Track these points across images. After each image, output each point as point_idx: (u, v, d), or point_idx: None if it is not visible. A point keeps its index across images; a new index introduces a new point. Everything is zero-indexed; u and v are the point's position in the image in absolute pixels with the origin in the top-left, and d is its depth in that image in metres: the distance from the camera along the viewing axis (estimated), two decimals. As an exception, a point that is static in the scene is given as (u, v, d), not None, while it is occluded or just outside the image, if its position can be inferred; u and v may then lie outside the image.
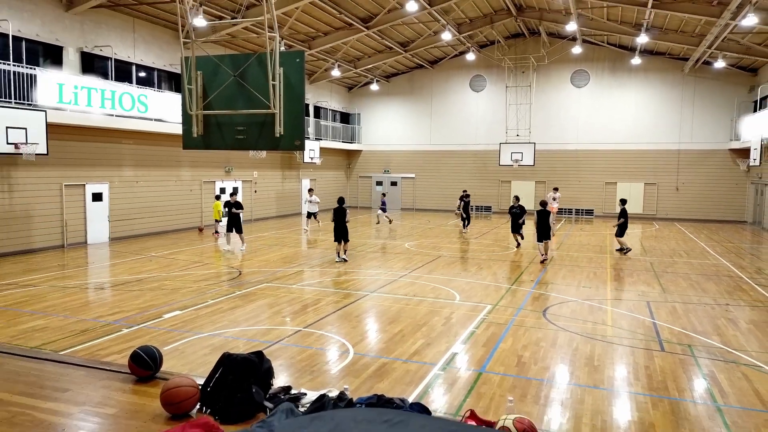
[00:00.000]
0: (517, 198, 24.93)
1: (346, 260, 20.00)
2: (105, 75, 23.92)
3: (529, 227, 22.96)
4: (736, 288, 16.59)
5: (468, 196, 31.03)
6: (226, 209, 23.08)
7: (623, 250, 22.91)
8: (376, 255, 21.84)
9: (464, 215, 30.30)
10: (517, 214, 23.78)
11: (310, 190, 29.87)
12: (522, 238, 24.18)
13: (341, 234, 20.07)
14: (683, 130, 37.59)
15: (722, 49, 31.35)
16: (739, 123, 35.48)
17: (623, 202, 23.55)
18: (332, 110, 43.21)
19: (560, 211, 39.17)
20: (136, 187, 25.74)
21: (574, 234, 29.12)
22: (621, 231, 22.96)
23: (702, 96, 37.11)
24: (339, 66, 37.00)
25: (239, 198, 26.65)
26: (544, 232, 20.80)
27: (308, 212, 29.16)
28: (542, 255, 20.74)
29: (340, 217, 20.13)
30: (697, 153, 37.37)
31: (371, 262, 20.23)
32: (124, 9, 24.46)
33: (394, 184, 45.04)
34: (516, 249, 23.71)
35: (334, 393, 5.46)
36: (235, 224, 22.49)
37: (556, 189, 32.10)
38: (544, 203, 21.53)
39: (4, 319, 12.02)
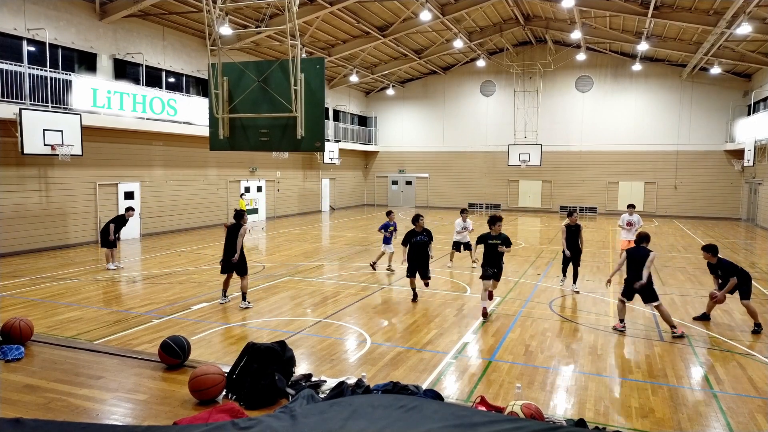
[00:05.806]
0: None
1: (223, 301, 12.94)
2: (136, 80, 24.02)
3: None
4: (732, 282, 16.40)
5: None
6: (113, 225, 16.79)
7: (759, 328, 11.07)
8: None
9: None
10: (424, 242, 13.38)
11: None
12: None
13: (232, 259, 12.44)
14: (681, 132, 37.34)
15: (718, 56, 31.17)
16: (733, 126, 35.24)
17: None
18: (350, 113, 43.20)
19: (563, 208, 39.04)
20: (166, 186, 25.81)
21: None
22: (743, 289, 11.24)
23: (699, 100, 36.85)
24: (357, 72, 37.01)
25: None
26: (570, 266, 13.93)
27: None
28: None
29: (233, 233, 12.41)
30: (694, 154, 37.11)
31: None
32: (155, 18, 24.53)
33: (408, 183, 45.01)
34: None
35: (352, 380, 5.45)
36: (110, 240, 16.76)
37: (632, 206, 18.62)
38: (571, 212, 13.49)
39: (42, 310, 12.08)
